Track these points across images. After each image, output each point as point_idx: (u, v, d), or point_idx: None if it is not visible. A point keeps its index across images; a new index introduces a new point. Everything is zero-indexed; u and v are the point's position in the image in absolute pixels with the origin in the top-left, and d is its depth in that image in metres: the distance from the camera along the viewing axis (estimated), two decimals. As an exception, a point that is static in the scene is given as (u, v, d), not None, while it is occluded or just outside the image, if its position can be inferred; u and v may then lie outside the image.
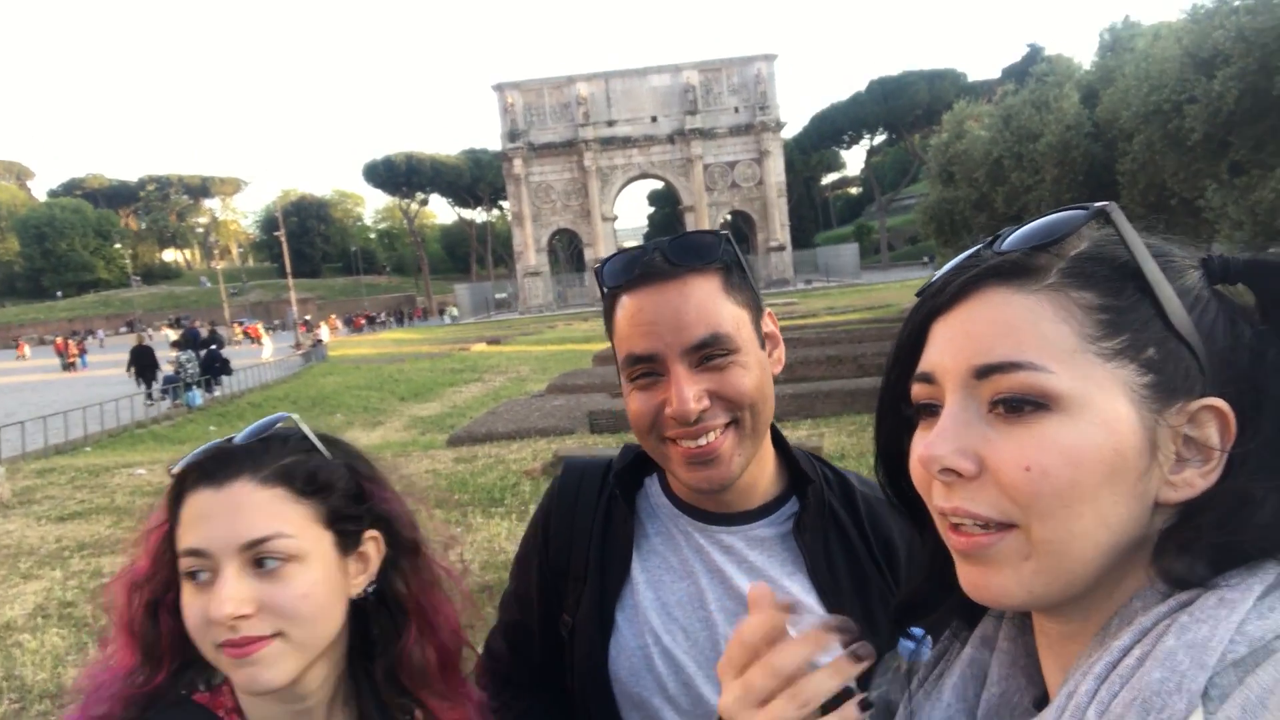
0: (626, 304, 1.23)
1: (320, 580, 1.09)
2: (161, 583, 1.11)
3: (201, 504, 1.06)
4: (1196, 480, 0.64)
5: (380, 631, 1.18)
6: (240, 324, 62.01)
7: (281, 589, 1.06)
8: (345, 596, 1.14)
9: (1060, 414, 0.62)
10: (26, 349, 54.79)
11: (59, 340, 45.85)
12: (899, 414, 0.78)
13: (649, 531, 1.38)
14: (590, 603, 1.36)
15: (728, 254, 1.24)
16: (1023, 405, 0.63)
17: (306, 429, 1.18)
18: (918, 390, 0.73)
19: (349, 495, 1.16)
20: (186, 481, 1.09)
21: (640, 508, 1.40)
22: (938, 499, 0.69)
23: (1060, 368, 0.63)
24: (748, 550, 1.32)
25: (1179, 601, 0.61)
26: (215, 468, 1.08)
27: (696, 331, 1.19)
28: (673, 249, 1.22)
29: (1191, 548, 0.62)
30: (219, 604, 1.02)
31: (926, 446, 0.67)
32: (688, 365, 1.20)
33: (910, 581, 0.87)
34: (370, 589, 1.17)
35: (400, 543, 1.21)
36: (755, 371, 1.23)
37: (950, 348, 0.69)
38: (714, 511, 1.34)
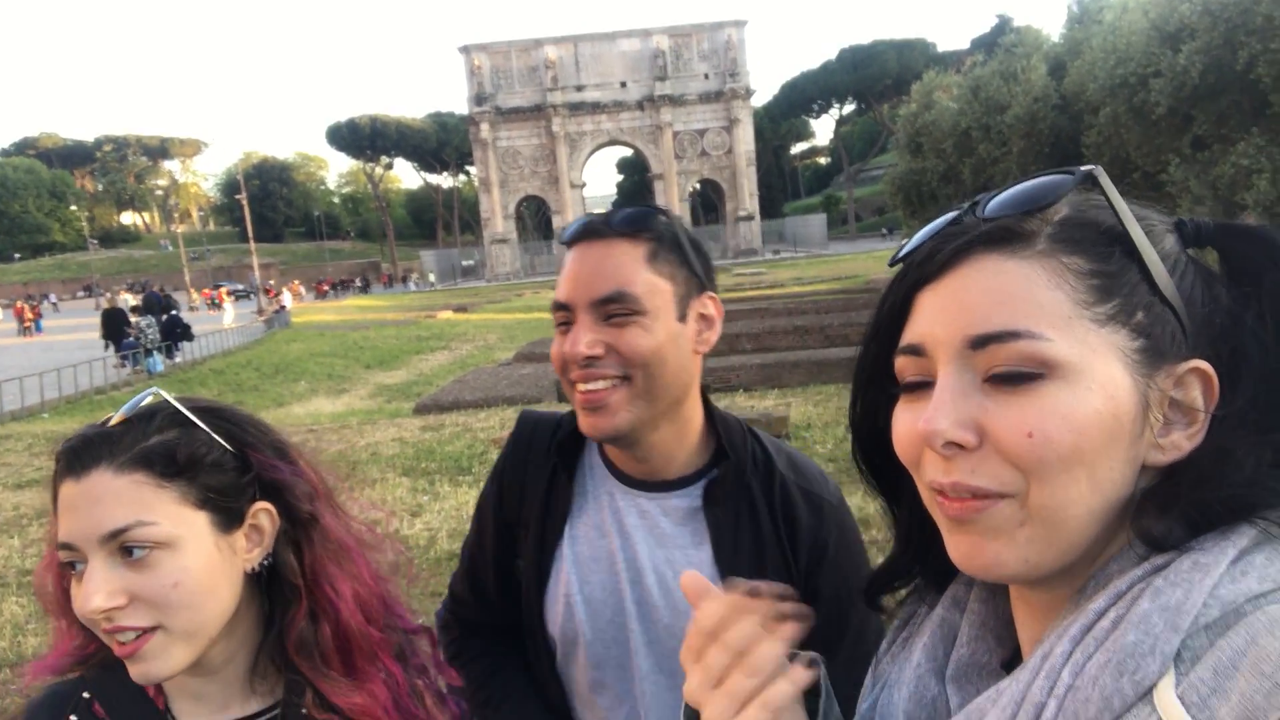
0: (568, 258, 1.37)
1: (193, 565, 1.04)
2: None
3: (66, 496, 1.03)
4: (1183, 443, 0.64)
5: (273, 606, 1.15)
6: (219, 287, 60.53)
7: (150, 578, 1.02)
8: (237, 573, 1.10)
9: (1059, 380, 0.62)
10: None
11: (18, 304, 44.84)
12: (878, 387, 0.77)
13: (584, 489, 1.49)
14: (531, 552, 1.48)
15: (666, 230, 1.35)
16: (1024, 371, 0.63)
17: (175, 402, 1.12)
18: (903, 362, 0.71)
19: (224, 469, 1.10)
20: (57, 472, 1.06)
21: (582, 465, 1.50)
22: (934, 473, 0.67)
23: (1057, 334, 0.63)
24: (660, 517, 1.41)
25: (1153, 565, 0.61)
26: (74, 459, 1.04)
27: (604, 286, 1.30)
28: (614, 215, 1.36)
29: (1170, 509, 0.62)
30: (85, 598, 0.99)
31: (926, 421, 0.65)
32: (592, 316, 1.31)
33: (888, 557, 0.86)
34: (266, 562, 1.13)
35: (294, 515, 1.14)
36: (659, 338, 1.31)
37: (942, 317, 0.67)
38: (638, 478, 1.43)
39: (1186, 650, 0.56)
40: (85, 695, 1.09)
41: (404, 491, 8.35)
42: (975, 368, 0.65)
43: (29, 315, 41.14)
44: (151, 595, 1.01)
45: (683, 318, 1.35)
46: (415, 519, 7.53)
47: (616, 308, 1.30)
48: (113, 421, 1.08)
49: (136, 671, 1.02)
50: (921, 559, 0.83)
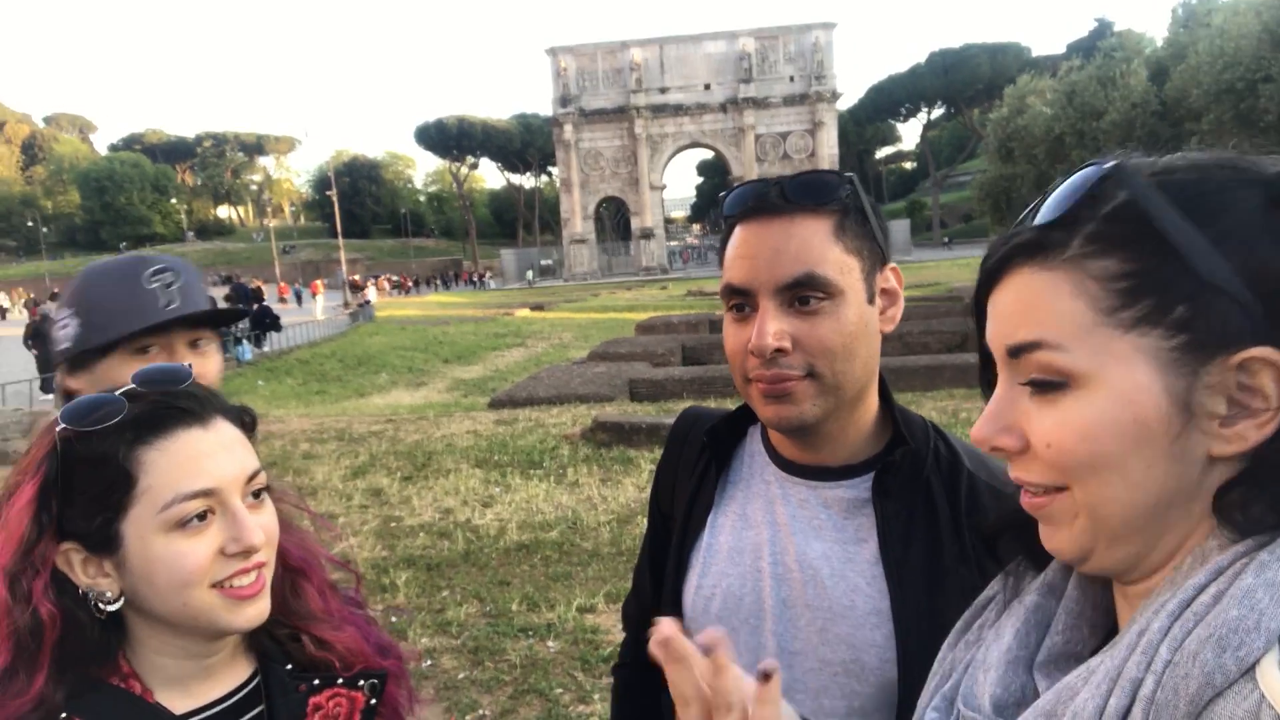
0: (736, 234, 1.22)
1: (275, 512, 1.14)
2: (33, 565, 1.00)
3: (193, 444, 1.03)
4: (1250, 433, 0.62)
5: None
6: (313, 281, 62.14)
7: (267, 517, 1.10)
8: None
9: (1077, 390, 0.63)
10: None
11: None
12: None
13: (739, 478, 1.37)
14: (675, 544, 1.39)
15: (849, 198, 1.19)
16: (1048, 381, 0.64)
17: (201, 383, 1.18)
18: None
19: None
20: (139, 430, 1.02)
21: (739, 454, 1.39)
22: (1009, 469, 0.72)
23: (1075, 344, 0.63)
24: (820, 509, 1.26)
25: (1257, 541, 0.60)
26: (194, 407, 1.06)
27: (791, 270, 1.15)
28: (791, 186, 1.18)
29: (1254, 501, 0.61)
30: (252, 531, 1.03)
31: (975, 429, 0.70)
32: (777, 303, 1.16)
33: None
34: None
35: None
36: (850, 324, 1.17)
37: (991, 328, 0.71)
38: (799, 463, 1.29)
39: None
40: (64, 716, 0.99)
41: (476, 483, 8.44)
42: (1017, 375, 0.68)
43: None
44: (271, 533, 1.10)
45: (871, 298, 1.21)
46: (486, 510, 7.60)
47: (805, 292, 1.15)
48: (147, 383, 1.09)
49: (254, 611, 1.06)
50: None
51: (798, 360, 1.17)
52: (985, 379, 0.77)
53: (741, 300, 1.20)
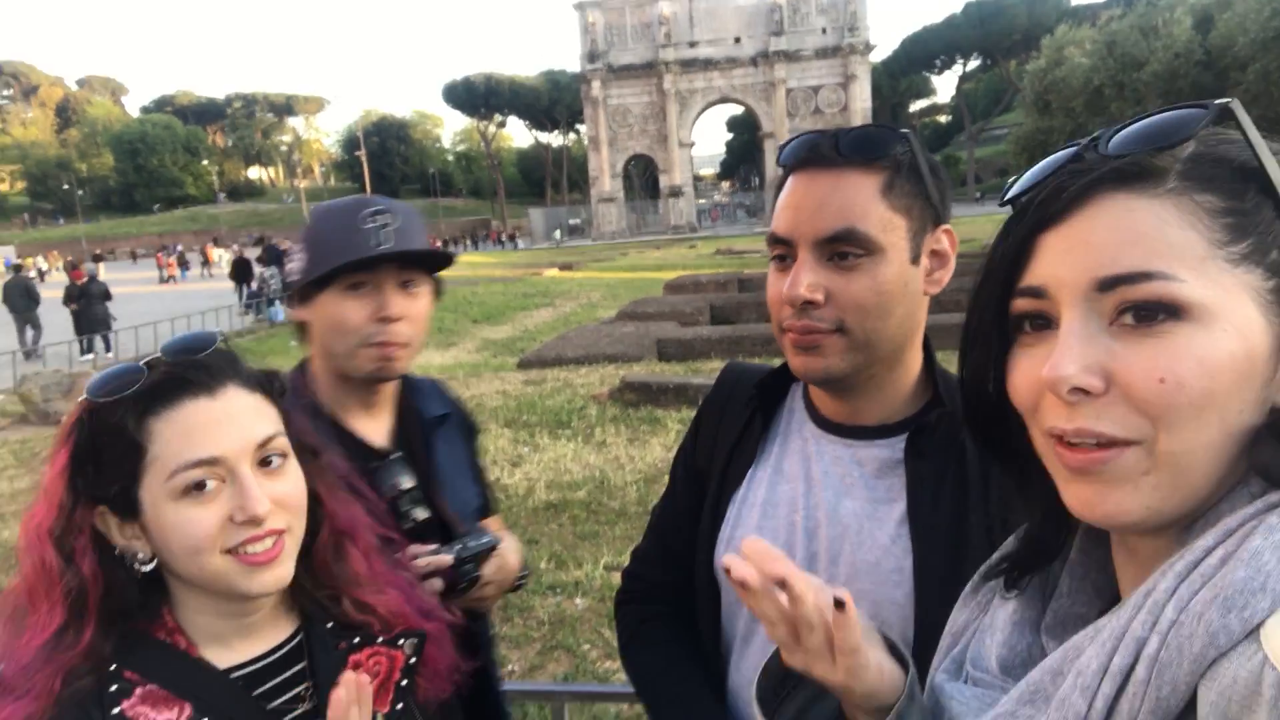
0: (788, 184, 1.23)
1: (301, 476, 1.15)
2: (73, 527, 1.06)
3: (197, 414, 1.06)
4: None
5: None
6: None
7: (285, 484, 1.11)
8: None
9: (1192, 323, 0.60)
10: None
11: (158, 255, 48.18)
12: (989, 337, 0.74)
13: (779, 433, 1.38)
14: (711, 497, 1.40)
15: (904, 155, 1.19)
16: (1155, 313, 0.61)
17: (233, 350, 1.20)
18: (1023, 305, 0.69)
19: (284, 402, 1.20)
20: (149, 401, 1.06)
21: (782, 409, 1.41)
22: (1056, 420, 0.65)
23: (1191, 275, 0.60)
24: (853, 467, 1.28)
25: (1266, 503, 0.60)
26: (206, 377, 1.08)
27: (832, 224, 1.16)
28: (844, 139, 1.19)
29: None
30: (257, 501, 1.05)
31: (1052, 366, 0.63)
32: (815, 256, 1.18)
33: (1026, 530, 0.81)
34: None
35: (304, 447, 1.22)
36: (888, 283, 1.17)
37: (1069, 259, 0.65)
38: (835, 421, 1.31)
39: None
40: (112, 667, 1.04)
41: (505, 442, 8.52)
42: (1103, 311, 0.63)
43: (172, 268, 43.52)
44: (288, 500, 1.10)
45: (916, 258, 1.20)
46: (515, 469, 7.68)
47: (844, 247, 1.16)
48: (172, 352, 1.12)
49: (271, 578, 1.08)
50: (1064, 524, 0.78)
51: (829, 314, 1.17)
52: (982, 320, 0.74)
53: (784, 250, 1.22)
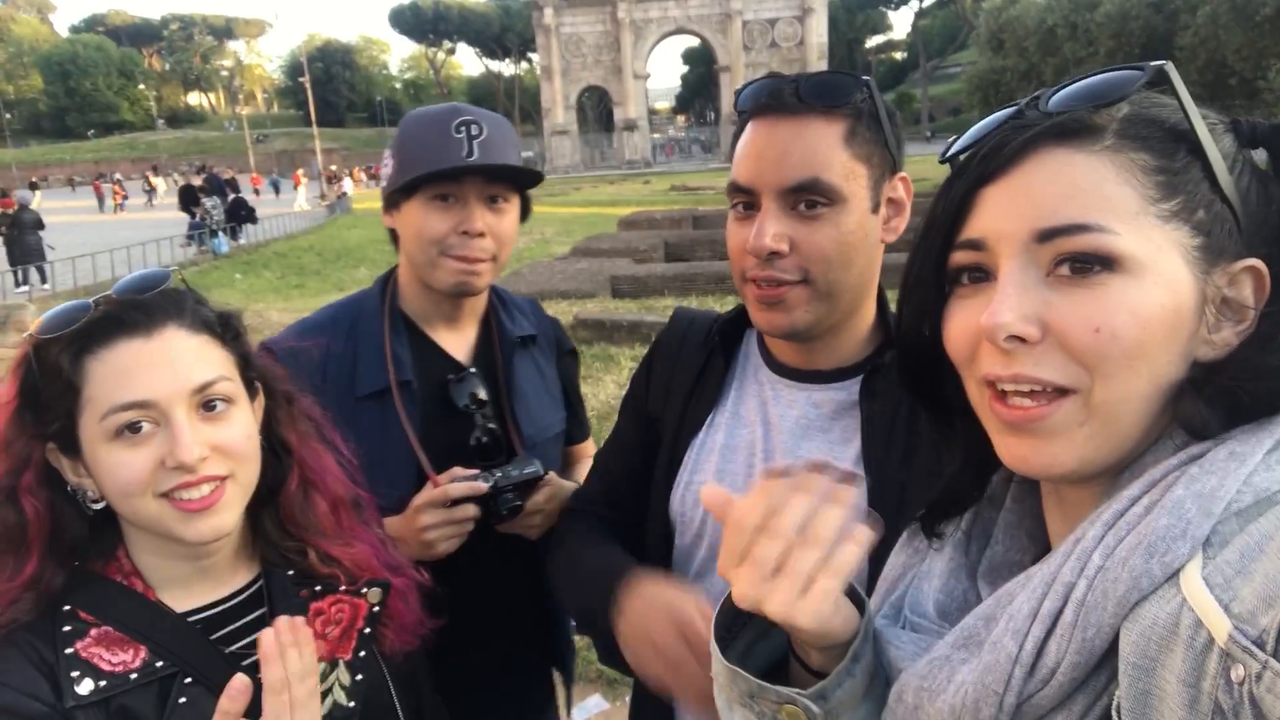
0: (747, 131, 1.21)
1: (251, 422, 1.13)
2: (18, 462, 1.05)
3: (130, 355, 1.03)
4: (1232, 339, 0.65)
5: (266, 480, 1.18)
6: (294, 171, 60.46)
7: (228, 430, 1.08)
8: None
9: (1125, 275, 0.63)
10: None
11: (96, 183, 46.25)
12: (928, 287, 0.75)
13: (735, 378, 1.39)
14: (666, 442, 1.40)
15: (865, 102, 1.18)
16: (1091, 265, 0.63)
17: (192, 288, 1.17)
18: (962, 257, 0.71)
19: (243, 345, 1.17)
20: (86, 340, 1.04)
21: (737, 355, 1.41)
22: (992, 367, 0.67)
23: (1125, 229, 0.63)
24: (810, 410, 1.29)
25: (1189, 455, 0.62)
26: (142, 317, 1.05)
27: (796, 173, 1.15)
28: (805, 85, 1.17)
29: (1213, 399, 0.63)
30: (186, 448, 1.02)
31: (990, 315, 0.65)
32: (779, 205, 1.17)
33: (948, 478, 0.83)
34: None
35: (276, 393, 1.21)
36: (850, 232, 1.17)
37: (1008, 211, 0.67)
38: (791, 365, 1.32)
39: (1216, 536, 0.57)
40: (66, 608, 1.03)
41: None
42: (1040, 262, 0.65)
43: (117, 196, 41.98)
44: (230, 447, 1.07)
45: (876, 207, 1.20)
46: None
47: (809, 197, 1.15)
48: (122, 292, 1.08)
49: (207, 526, 1.05)
50: (984, 473, 0.79)
51: (792, 264, 1.17)
52: (921, 271, 0.75)
53: (746, 199, 1.20)
